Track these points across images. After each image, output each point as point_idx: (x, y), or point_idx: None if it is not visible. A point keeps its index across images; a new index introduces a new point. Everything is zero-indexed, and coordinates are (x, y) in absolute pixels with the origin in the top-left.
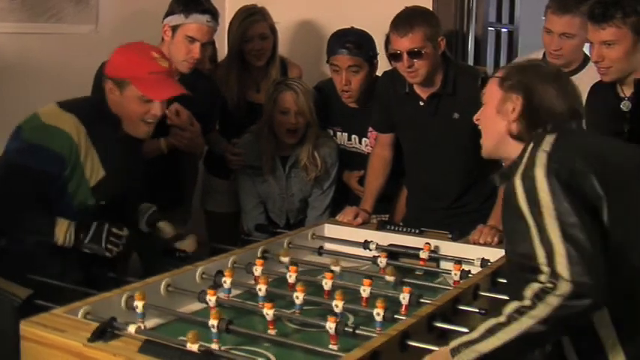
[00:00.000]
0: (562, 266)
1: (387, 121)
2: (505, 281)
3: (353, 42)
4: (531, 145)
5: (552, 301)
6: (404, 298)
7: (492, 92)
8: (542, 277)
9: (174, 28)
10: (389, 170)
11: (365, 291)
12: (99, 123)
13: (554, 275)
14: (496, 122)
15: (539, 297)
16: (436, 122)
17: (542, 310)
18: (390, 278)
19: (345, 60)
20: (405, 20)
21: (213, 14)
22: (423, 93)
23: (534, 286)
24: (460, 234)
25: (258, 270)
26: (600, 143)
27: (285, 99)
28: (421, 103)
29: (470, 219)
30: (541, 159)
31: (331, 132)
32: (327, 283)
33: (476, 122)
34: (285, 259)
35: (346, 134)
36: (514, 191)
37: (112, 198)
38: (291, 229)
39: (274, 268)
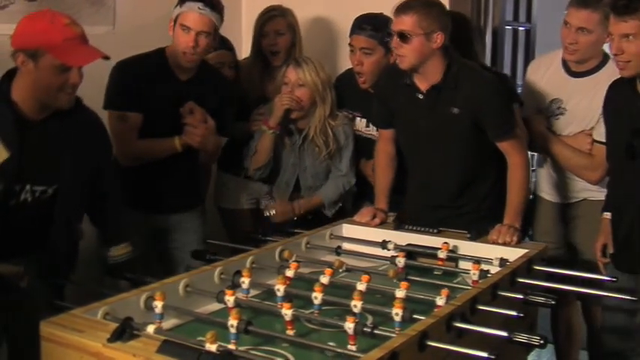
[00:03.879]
0: None
1: (386, 116)
2: None
3: (370, 24)
4: None
5: None
6: (441, 299)
7: None
8: None
9: (175, 21)
10: (396, 164)
11: (401, 292)
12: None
13: None
14: None
15: None
16: (434, 116)
17: None
18: (391, 274)
19: (360, 41)
20: (404, 3)
21: (209, 3)
22: (423, 85)
23: None
24: (478, 233)
25: (290, 272)
26: None
27: (288, 71)
28: (420, 96)
29: (468, 220)
30: None
31: (351, 116)
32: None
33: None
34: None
35: (365, 120)
36: None
37: (34, 182)
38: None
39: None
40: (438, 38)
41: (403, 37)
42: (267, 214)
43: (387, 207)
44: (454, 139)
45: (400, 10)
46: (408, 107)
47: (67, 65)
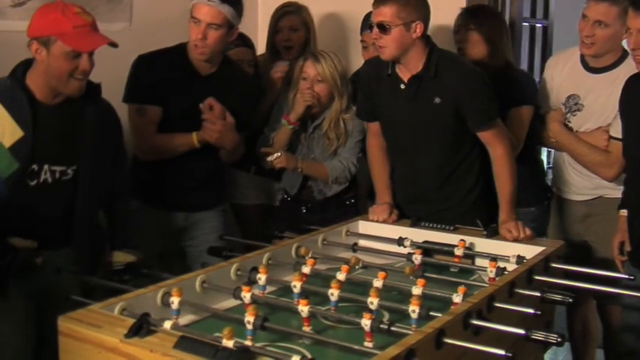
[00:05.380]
0: None
1: (371, 109)
2: None
3: None
4: None
5: None
6: (457, 296)
7: None
8: None
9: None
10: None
11: (417, 289)
12: (13, 91)
13: None
14: None
15: None
16: (417, 105)
17: None
18: (407, 272)
19: (370, 37)
20: None
21: None
22: (405, 75)
23: None
24: (494, 231)
25: (307, 269)
26: None
27: (306, 66)
28: (402, 86)
29: (453, 214)
30: None
31: None
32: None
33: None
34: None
35: None
36: None
37: (52, 162)
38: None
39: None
40: (418, 28)
41: (383, 28)
42: (271, 158)
43: (393, 200)
44: (437, 130)
45: (379, 1)
46: (391, 98)
47: (76, 51)
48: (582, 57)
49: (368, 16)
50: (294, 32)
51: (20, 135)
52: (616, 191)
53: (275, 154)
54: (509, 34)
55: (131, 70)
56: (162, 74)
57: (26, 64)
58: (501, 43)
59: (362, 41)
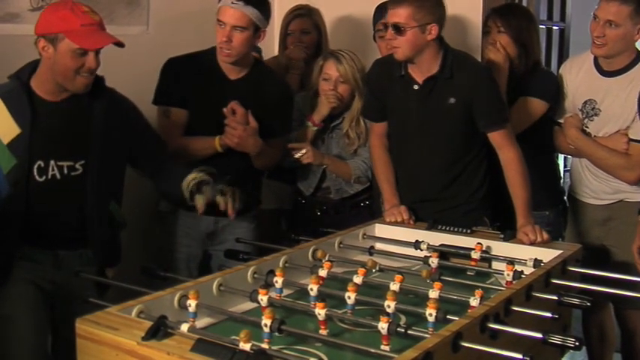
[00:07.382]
0: None
1: (380, 109)
2: None
3: None
4: None
5: None
6: (474, 300)
7: None
8: None
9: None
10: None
11: (434, 292)
12: (16, 90)
13: None
14: None
15: None
16: (429, 106)
17: None
18: (424, 275)
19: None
20: None
21: None
22: (419, 76)
23: None
24: (512, 234)
25: (323, 272)
26: None
27: (328, 67)
28: (415, 87)
29: (461, 212)
30: None
31: None
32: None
33: None
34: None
35: None
36: None
37: (58, 158)
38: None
39: (334, 270)
40: (433, 30)
41: (397, 29)
42: (298, 154)
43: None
44: (448, 130)
45: (395, 2)
46: (403, 98)
47: (83, 48)
48: (596, 61)
49: (378, 8)
50: (305, 35)
51: (18, 132)
52: (636, 195)
53: (302, 150)
54: (539, 32)
55: (160, 73)
56: (190, 78)
57: (33, 65)
58: (531, 44)
59: (378, 30)
